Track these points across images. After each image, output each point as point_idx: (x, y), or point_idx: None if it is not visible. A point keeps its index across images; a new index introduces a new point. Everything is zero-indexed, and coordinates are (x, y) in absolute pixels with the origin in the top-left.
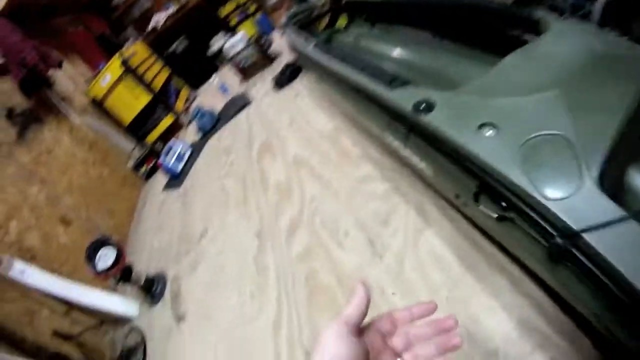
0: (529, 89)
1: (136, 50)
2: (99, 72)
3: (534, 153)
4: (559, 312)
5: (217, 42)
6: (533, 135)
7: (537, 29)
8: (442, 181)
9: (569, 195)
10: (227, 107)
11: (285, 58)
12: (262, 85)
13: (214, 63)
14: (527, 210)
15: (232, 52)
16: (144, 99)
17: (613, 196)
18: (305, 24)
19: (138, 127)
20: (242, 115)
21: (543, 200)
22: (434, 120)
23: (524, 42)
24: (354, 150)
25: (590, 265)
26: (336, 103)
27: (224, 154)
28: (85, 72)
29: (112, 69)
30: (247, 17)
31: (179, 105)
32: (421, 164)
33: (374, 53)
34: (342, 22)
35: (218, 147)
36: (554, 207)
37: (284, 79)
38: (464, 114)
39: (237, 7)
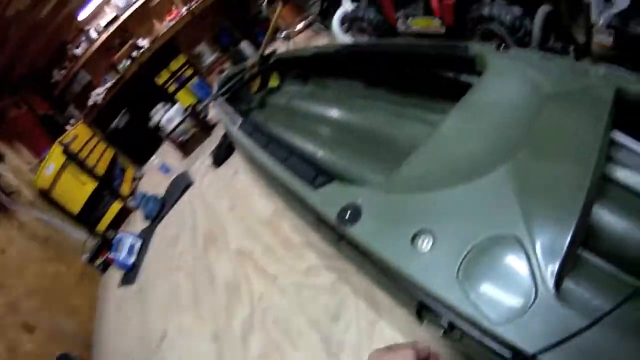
0: (470, 172)
1: (77, 133)
2: (42, 160)
3: (479, 265)
4: None
5: (157, 113)
6: (478, 240)
7: (474, 67)
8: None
9: (522, 314)
10: (170, 189)
11: (222, 127)
12: (202, 161)
13: (157, 135)
14: (474, 334)
15: (169, 127)
16: (90, 185)
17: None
18: (237, 88)
19: (88, 216)
20: (185, 198)
21: (490, 326)
22: (362, 233)
23: (462, 84)
24: (295, 238)
25: None
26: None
27: (171, 245)
28: (31, 159)
29: (55, 157)
30: (184, 82)
31: (125, 188)
32: (360, 263)
33: (308, 115)
34: (274, 81)
35: (165, 237)
36: (503, 332)
37: (221, 154)
38: (394, 220)
39: (173, 73)
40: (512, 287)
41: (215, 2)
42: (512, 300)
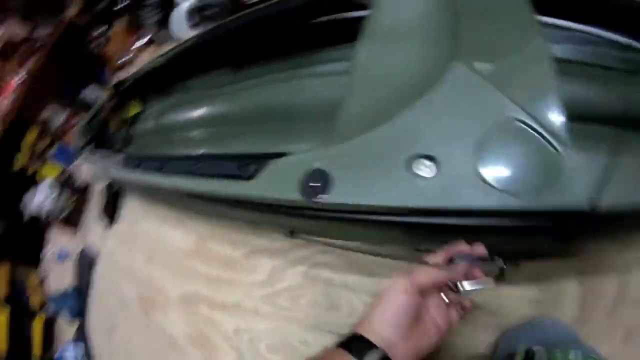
0: (422, 84)
1: None
2: None
3: (494, 158)
4: None
5: (28, 203)
6: (477, 138)
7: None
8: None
9: (558, 176)
10: (78, 274)
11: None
12: (94, 228)
13: (40, 226)
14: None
15: (44, 211)
16: (3, 316)
17: None
18: (99, 133)
19: (15, 347)
20: (98, 276)
21: (538, 203)
22: (345, 193)
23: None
24: (234, 252)
25: None
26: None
27: (111, 333)
28: None
29: None
30: (45, 156)
31: (35, 299)
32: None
33: (185, 124)
34: (134, 109)
35: (101, 329)
36: (553, 202)
37: (112, 208)
38: (376, 163)
39: (31, 152)
40: (534, 161)
41: (47, 55)
42: (541, 173)
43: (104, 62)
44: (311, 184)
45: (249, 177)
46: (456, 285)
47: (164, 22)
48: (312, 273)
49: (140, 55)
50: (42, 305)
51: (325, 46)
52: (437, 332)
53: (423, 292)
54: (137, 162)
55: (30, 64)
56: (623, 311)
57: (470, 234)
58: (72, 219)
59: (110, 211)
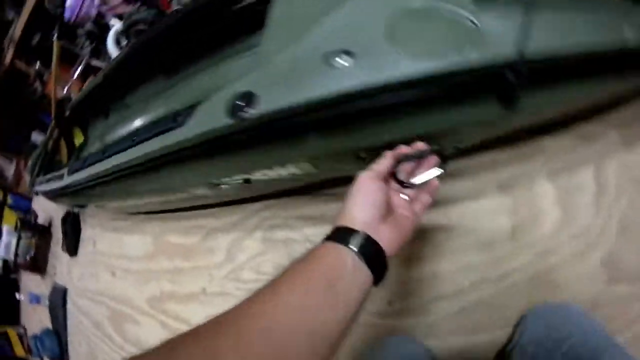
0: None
1: None
2: None
3: (407, 31)
4: None
5: None
6: (385, 19)
7: None
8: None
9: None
10: (53, 313)
11: (58, 216)
12: (60, 264)
13: (10, 279)
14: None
15: (11, 254)
16: None
17: None
18: (48, 166)
19: None
20: (70, 307)
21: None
22: (271, 101)
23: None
24: (190, 240)
25: None
26: (133, 212)
27: None
28: None
29: None
30: (1, 207)
31: (18, 349)
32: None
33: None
34: (79, 137)
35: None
36: (482, 57)
37: (71, 239)
38: (294, 71)
39: None
40: (450, 29)
41: None
42: (460, 37)
43: (46, 105)
44: (237, 103)
45: (182, 124)
46: (412, 184)
47: (97, 52)
48: (270, 236)
49: (79, 86)
50: (27, 354)
51: (244, 33)
52: (409, 224)
53: (386, 184)
54: (81, 163)
55: None
56: (608, 203)
57: (404, 115)
58: (38, 261)
59: (72, 243)
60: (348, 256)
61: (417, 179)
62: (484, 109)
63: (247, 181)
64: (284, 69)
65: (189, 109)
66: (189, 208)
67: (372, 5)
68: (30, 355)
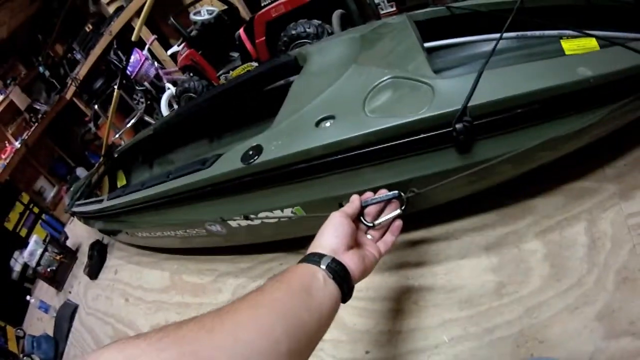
0: (329, 82)
1: None
2: None
3: (378, 102)
4: None
5: (17, 262)
6: (365, 95)
7: (299, 67)
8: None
9: (432, 100)
10: (58, 323)
11: (87, 243)
12: (77, 283)
13: (23, 286)
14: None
15: (34, 262)
16: None
17: None
18: (87, 195)
19: None
20: (76, 323)
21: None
22: (269, 154)
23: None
24: (202, 280)
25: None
26: (157, 249)
27: None
28: None
29: None
30: (35, 220)
31: (12, 345)
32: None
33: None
34: (121, 179)
35: None
36: (430, 112)
37: (95, 264)
38: (293, 132)
39: (21, 214)
40: (410, 94)
41: (44, 131)
42: (418, 98)
43: (94, 149)
44: (248, 156)
45: (207, 167)
46: (373, 224)
47: (151, 110)
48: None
49: (130, 135)
50: (20, 354)
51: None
52: (372, 259)
53: (355, 224)
54: (121, 191)
55: (27, 134)
56: (604, 256)
57: (377, 159)
58: (58, 275)
59: (94, 267)
60: (319, 272)
61: (379, 220)
62: (443, 157)
63: (247, 218)
64: (286, 130)
65: (216, 156)
66: (207, 252)
67: (355, 83)
68: (21, 355)
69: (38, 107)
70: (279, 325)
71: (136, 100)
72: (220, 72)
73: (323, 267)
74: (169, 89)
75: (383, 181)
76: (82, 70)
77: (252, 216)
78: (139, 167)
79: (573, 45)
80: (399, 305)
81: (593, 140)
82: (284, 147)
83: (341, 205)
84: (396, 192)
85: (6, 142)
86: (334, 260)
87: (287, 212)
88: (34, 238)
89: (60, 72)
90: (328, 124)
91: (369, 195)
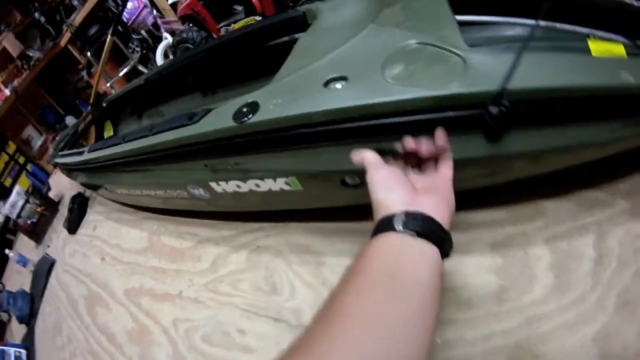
0: (342, 40)
1: None
2: None
3: (401, 67)
4: None
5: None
6: (385, 57)
7: (306, 24)
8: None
9: (464, 71)
10: (35, 279)
11: (69, 195)
12: (57, 237)
13: (5, 238)
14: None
15: (15, 213)
16: None
17: None
18: (72, 145)
19: None
20: (53, 279)
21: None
22: (267, 113)
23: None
24: (181, 244)
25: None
26: (138, 207)
27: (57, 334)
28: None
29: None
30: (20, 171)
31: None
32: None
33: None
34: (108, 130)
35: (47, 329)
36: (462, 88)
37: (75, 218)
38: (297, 90)
39: (7, 164)
40: (438, 63)
41: (35, 79)
42: (447, 70)
43: (87, 94)
44: (242, 114)
45: (195, 122)
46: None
47: (145, 59)
48: (254, 257)
49: (121, 84)
50: None
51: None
52: (448, 183)
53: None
54: (102, 144)
55: (18, 81)
56: (608, 275)
57: (392, 133)
58: (37, 229)
59: (74, 222)
60: (396, 238)
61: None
62: (469, 143)
63: (238, 186)
64: (288, 87)
65: (205, 111)
66: (188, 214)
67: (374, 44)
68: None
69: (31, 54)
70: (377, 342)
71: (131, 49)
72: (222, 24)
73: (399, 228)
74: (166, 39)
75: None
76: (78, 17)
77: (239, 183)
78: (127, 118)
79: (601, 47)
80: None
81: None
82: (284, 107)
83: (343, 182)
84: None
85: None
86: (407, 214)
87: (281, 182)
88: (16, 189)
89: (57, 18)
90: (339, 86)
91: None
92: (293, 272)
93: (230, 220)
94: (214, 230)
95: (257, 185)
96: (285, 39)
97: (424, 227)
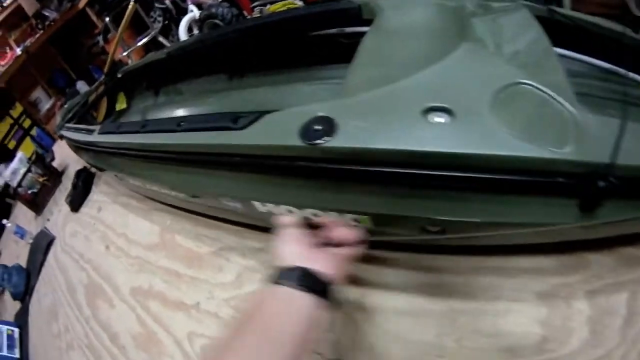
0: (426, 53)
1: None
2: None
3: (506, 113)
4: None
5: (1, 176)
6: (488, 97)
7: (360, 17)
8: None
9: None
10: (32, 254)
11: (74, 167)
12: (58, 210)
13: (4, 202)
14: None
15: (15, 181)
16: None
17: None
18: (82, 117)
19: None
20: (51, 258)
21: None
22: (351, 137)
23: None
24: (201, 248)
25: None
26: (150, 196)
27: (53, 320)
28: None
29: None
30: (24, 134)
31: None
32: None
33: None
34: (121, 103)
35: (42, 312)
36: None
37: (78, 195)
38: (385, 112)
39: (12, 126)
40: (547, 116)
41: (48, 40)
42: (555, 127)
43: (100, 63)
44: (314, 127)
45: (242, 128)
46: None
47: (167, 31)
48: None
49: (139, 55)
50: None
51: (319, 63)
52: (341, 258)
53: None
54: (116, 127)
55: (30, 41)
56: (634, 333)
57: (491, 190)
58: (37, 200)
59: (77, 198)
60: (279, 291)
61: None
62: (559, 210)
63: (290, 211)
64: (374, 107)
65: (253, 115)
66: (211, 216)
67: (475, 71)
68: None
69: (47, 14)
70: None
71: (153, 18)
72: (256, 3)
73: (283, 282)
74: (192, 11)
75: (485, 217)
76: None
77: (294, 209)
78: (143, 92)
79: None
80: (441, 341)
81: None
82: (373, 135)
83: (424, 229)
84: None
85: (7, 48)
86: (294, 269)
87: (348, 217)
88: (18, 155)
89: None
90: (442, 120)
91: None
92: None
93: (258, 229)
94: (239, 238)
95: (316, 215)
96: (333, 31)
97: (308, 282)
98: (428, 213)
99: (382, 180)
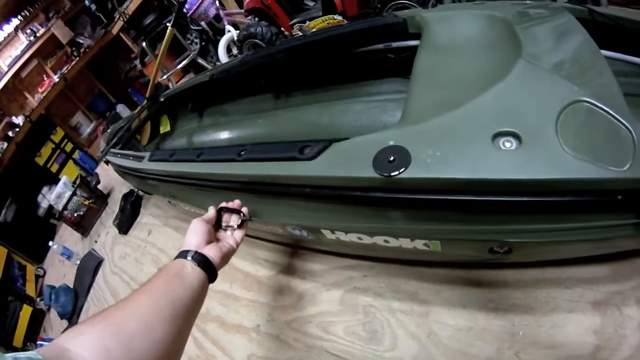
0: (483, 71)
1: None
2: None
3: (572, 134)
4: None
5: (45, 197)
6: (554, 117)
7: (405, 31)
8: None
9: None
10: (79, 275)
11: (119, 190)
12: (106, 233)
13: (49, 223)
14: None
15: (60, 205)
16: None
17: None
18: (126, 141)
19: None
20: (100, 279)
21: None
22: (428, 168)
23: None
24: (258, 271)
25: None
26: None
27: None
28: None
29: None
30: (66, 159)
31: (30, 287)
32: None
33: (219, 144)
34: (165, 125)
35: None
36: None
37: (127, 218)
38: (457, 140)
39: (54, 150)
40: (611, 136)
41: (85, 66)
42: (620, 147)
43: (138, 85)
44: (388, 158)
45: (310, 158)
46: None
47: (205, 52)
48: (350, 298)
49: (178, 77)
50: (36, 297)
51: (365, 79)
52: (230, 248)
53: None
54: (168, 156)
55: (67, 68)
56: None
57: (555, 212)
58: (84, 222)
59: (126, 221)
60: (187, 262)
61: (231, 223)
62: (620, 224)
63: (359, 238)
64: (445, 134)
65: (321, 144)
66: (266, 239)
67: (536, 90)
68: (38, 299)
69: (81, 41)
70: (163, 299)
71: (190, 40)
72: (294, 20)
73: (189, 258)
74: (229, 31)
75: (553, 237)
76: (131, 5)
77: (364, 237)
78: (186, 114)
79: None
80: (501, 355)
81: None
82: (448, 165)
83: (491, 250)
84: (241, 213)
85: (44, 75)
86: (196, 252)
87: (419, 242)
88: (63, 179)
89: (108, 6)
90: (511, 146)
91: (223, 204)
92: (396, 320)
93: (317, 252)
94: (299, 261)
95: (386, 242)
96: (380, 46)
97: (203, 262)
98: (500, 236)
99: (455, 207)
